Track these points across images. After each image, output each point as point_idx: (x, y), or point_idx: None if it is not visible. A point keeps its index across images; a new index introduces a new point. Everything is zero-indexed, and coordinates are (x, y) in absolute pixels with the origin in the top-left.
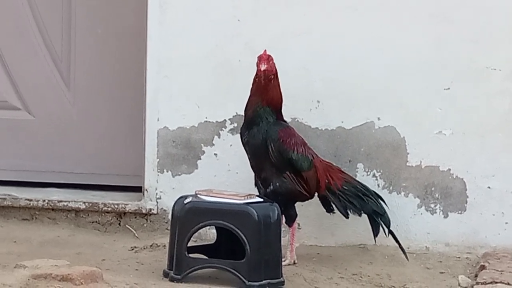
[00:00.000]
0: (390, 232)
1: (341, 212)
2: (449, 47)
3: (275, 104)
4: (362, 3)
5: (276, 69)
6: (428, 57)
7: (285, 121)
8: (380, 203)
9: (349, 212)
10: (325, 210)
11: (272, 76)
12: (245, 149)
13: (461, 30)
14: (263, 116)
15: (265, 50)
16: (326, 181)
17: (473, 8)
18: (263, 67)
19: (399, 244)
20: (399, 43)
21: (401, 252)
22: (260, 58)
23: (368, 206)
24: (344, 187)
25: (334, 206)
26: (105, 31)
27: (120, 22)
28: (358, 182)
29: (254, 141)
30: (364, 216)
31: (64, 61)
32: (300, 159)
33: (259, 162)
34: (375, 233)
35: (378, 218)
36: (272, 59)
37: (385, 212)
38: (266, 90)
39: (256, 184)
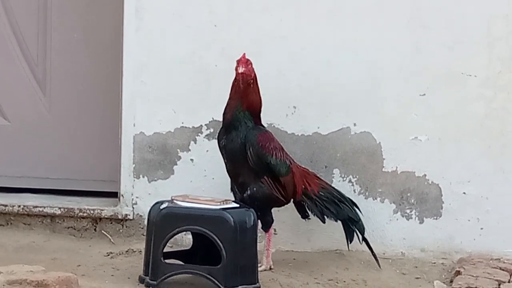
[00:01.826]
0: (364, 239)
1: (318, 217)
2: (426, 53)
3: (254, 109)
4: (339, 8)
5: (255, 74)
6: (405, 63)
7: (263, 126)
8: (355, 210)
9: (325, 217)
10: (300, 216)
11: (251, 81)
12: (222, 153)
13: (438, 36)
14: (242, 120)
15: (244, 54)
16: (303, 186)
17: (449, 14)
18: (240, 69)
19: (372, 251)
20: (375, 49)
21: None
22: (238, 62)
23: (343, 212)
24: (320, 193)
25: (310, 211)
26: (81, 36)
27: (97, 27)
28: (334, 188)
29: (232, 145)
30: (340, 221)
31: (40, 66)
32: (279, 164)
33: (236, 166)
34: (349, 240)
35: (353, 225)
36: (250, 63)
37: (359, 219)
38: (245, 94)
39: (232, 189)
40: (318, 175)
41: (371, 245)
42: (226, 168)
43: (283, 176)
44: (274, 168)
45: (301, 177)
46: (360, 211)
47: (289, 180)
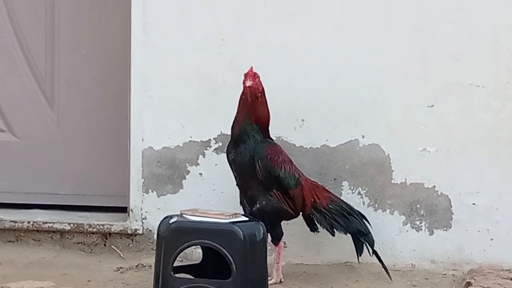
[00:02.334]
0: (374, 252)
1: (327, 230)
2: (433, 64)
3: (263, 122)
4: (346, 20)
5: (262, 87)
6: (412, 74)
7: (271, 139)
8: (364, 223)
9: (335, 230)
10: (309, 229)
11: (259, 94)
12: (231, 167)
13: (445, 47)
14: (250, 134)
15: (251, 67)
16: (312, 199)
17: (456, 24)
18: (248, 83)
19: (383, 264)
20: (382, 60)
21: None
22: (246, 75)
23: (353, 225)
24: (329, 205)
25: (319, 224)
26: (88, 52)
27: (104, 42)
28: (343, 201)
29: (241, 158)
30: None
31: (48, 81)
32: (288, 177)
33: (245, 180)
34: (359, 253)
35: (362, 238)
36: (258, 76)
37: (369, 232)
38: (253, 107)
39: (241, 203)
40: (326, 188)
41: (381, 257)
42: (236, 181)
43: (292, 189)
44: (283, 181)
45: (310, 190)
46: (369, 224)
47: (298, 193)
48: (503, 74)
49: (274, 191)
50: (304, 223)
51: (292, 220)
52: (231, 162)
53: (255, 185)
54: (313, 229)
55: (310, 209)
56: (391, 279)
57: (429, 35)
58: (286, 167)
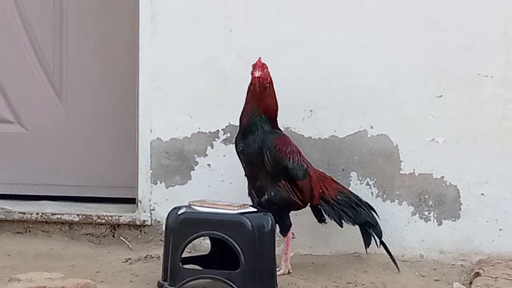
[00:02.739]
0: (382, 243)
1: (335, 221)
2: (442, 55)
3: (271, 113)
4: (356, 12)
5: (271, 78)
6: (421, 65)
7: (280, 130)
8: (372, 214)
9: (343, 221)
10: (317, 220)
11: (267, 85)
12: (239, 158)
13: (455, 37)
14: (258, 124)
15: (260, 58)
16: (320, 190)
17: (466, 15)
18: (257, 74)
19: (390, 255)
20: (392, 51)
21: (395, 260)
22: (254, 66)
23: (361, 216)
24: (338, 197)
25: (327, 215)
26: (97, 44)
27: (112, 34)
28: (351, 192)
29: (249, 149)
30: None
31: (57, 73)
32: (296, 168)
33: (254, 171)
34: (367, 244)
35: (370, 229)
36: (266, 67)
37: (377, 223)
38: (261, 98)
39: (249, 194)
40: (335, 179)
41: (390, 248)
42: (245, 172)
43: (300, 179)
44: (291, 171)
45: (319, 181)
46: (377, 215)
47: (307, 183)
48: None
49: (283, 182)
50: (312, 214)
51: (300, 210)
52: (240, 153)
53: (264, 176)
54: (321, 220)
55: (318, 200)
56: (399, 270)
57: (440, 26)
58: (295, 158)
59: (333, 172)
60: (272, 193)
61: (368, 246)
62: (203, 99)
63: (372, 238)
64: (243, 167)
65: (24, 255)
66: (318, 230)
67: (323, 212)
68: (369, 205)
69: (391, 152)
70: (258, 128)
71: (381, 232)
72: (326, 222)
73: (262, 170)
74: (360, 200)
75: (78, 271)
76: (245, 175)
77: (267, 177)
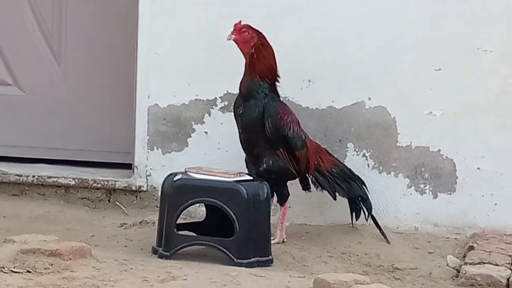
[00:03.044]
0: (372, 217)
1: (329, 193)
2: (442, 28)
3: (267, 76)
4: None
5: (259, 41)
6: (421, 37)
7: (278, 96)
8: (364, 189)
9: (337, 193)
10: (301, 187)
11: (252, 50)
12: (237, 122)
13: (456, 10)
14: (258, 90)
15: (240, 21)
16: (316, 162)
17: None
18: (230, 37)
19: (380, 229)
20: (392, 23)
21: (390, 231)
22: (233, 28)
23: (354, 190)
24: (332, 169)
25: (321, 187)
26: (96, 7)
27: None
28: (345, 165)
29: (249, 113)
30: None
31: (55, 36)
32: (295, 137)
33: (252, 136)
34: (356, 217)
35: (362, 203)
36: (246, 30)
37: (368, 197)
38: (252, 63)
39: (247, 164)
40: (329, 151)
41: (384, 220)
42: (240, 138)
43: (298, 150)
44: (290, 141)
45: (314, 152)
46: (368, 190)
47: (304, 154)
48: None
49: (281, 150)
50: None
51: (295, 180)
52: (239, 117)
53: (262, 143)
54: (305, 188)
55: (313, 172)
56: (388, 242)
57: None
58: (294, 128)
59: (329, 143)
60: (271, 161)
61: (356, 220)
62: (201, 66)
63: (362, 212)
64: (239, 132)
65: (19, 217)
66: (313, 200)
67: (313, 182)
68: (361, 179)
69: (388, 124)
70: (259, 93)
71: (371, 207)
72: (310, 191)
73: (261, 137)
74: (353, 174)
75: (73, 234)
76: (240, 141)
77: (266, 144)
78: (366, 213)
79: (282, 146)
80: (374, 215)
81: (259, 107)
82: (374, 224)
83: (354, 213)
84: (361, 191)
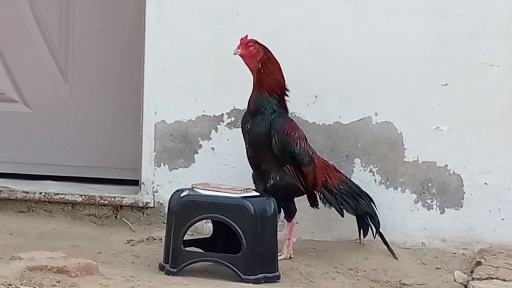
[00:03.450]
0: (380, 233)
1: (337, 210)
2: (448, 43)
3: (275, 91)
4: None
5: (265, 55)
6: (427, 52)
7: (287, 110)
8: (371, 206)
9: (344, 211)
10: (309, 204)
11: (259, 65)
12: (244, 138)
13: (460, 25)
14: (266, 106)
15: (246, 35)
16: (323, 178)
17: (472, 2)
18: (237, 52)
19: (388, 245)
20: (397, 38)
21: (397, 247)
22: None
23: (362, 207)
24: (340, 186)
25: (328, 204)
26: (103, 24)
27: (118, 15)
28: (353, 182)
29: (256, 129)
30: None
31: (62, 53)
32: (302, 153)
33: (259, 152)
34: (364, 235)
35: (370, 220)
36: (253, 44)
37: (376, 214)
38: (260, 78)
39: (254, 180)
40: (337, 168)
41: (391, 235)
42: (247, 154)
43: (305, 166)
44: (297, 157)
45: (322, 169)
46: (376, 207)
47: (311, 170)
48: None
49: (288, 166)
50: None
51: (303, 196)
52: (246, 132)
53: (269, 159)
54: (313, 204)
55: (321, 188)
56: (396, 258)
57: (445, 14)
58: (301, 144)
59: (336, 158)
60: (278, 178)
61: (364, 237)
62: (208, 82)
63: (369, 228)
64: (247, 148)
65: (26, 234)
66: (320, 216)
67: (321, 199)
68: (368, 196)
69: (395, 140)
70: (267, 109)
71: (379, 224)
72: (318, 207)
73: (268, 153)
74: (361, 190)
75: (80, 251)
76: (248, 157)
77: (273, 160)
78: (374, 230)
79: (289, 162)
80: (382, 231)
81: (266, 123)
82: (381, 240)
83: (362, 230)
84: (368, 208)
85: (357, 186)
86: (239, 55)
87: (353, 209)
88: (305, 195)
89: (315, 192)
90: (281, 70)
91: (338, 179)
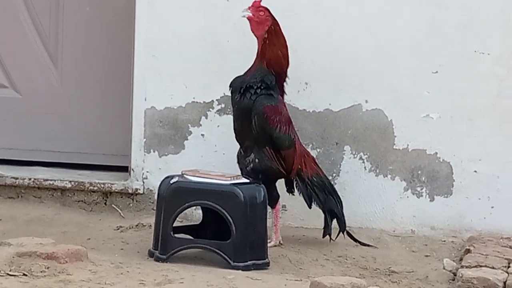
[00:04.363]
0: (348, 233)
1: (305, 200)
2: (439, 30)
3: (274, 66)
4: None
5: (273, 25)
6: (418, 40)
7: (283, 91)
8: (339, 206)
9: (313, 203)
10: (286, 189)
11: (265, 35)
12: (233, 107)
13: (452, 13)
14: (258, 79)
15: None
16: (299, 166)
17: None
18: (246, 13)
19: (359, 242)
20: (389, 26)
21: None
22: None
23: (330, 203)
24: (313, 177)
25: (299, 192)
26: (93, 10)
27: (109, 1)
28: (327, 178)
29: (242, 105)
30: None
31: (52, 39)
32: (282, 137)
33: (243, 128)
34: (327, 233)
35: (334, 220)
36: (263, 10)
37: (342, 216)
38: (262, 48)
39: (238, 161)
40: (316, 161)
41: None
42: (234, 126)
43: (284, 149)
44: (276, 141)
45: (300, 156)
46: (342, 212)
47: (291, 154)
48: (509, 42)
49: (267, 148)
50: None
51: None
52: (235, 103)
53: (251, 137)
54: (289, 190)
55: (295, 175)
56: (371, 246)
57: (437, 2)
58: (282, 128)
59: (326, 145)
60: (257, 160)
61: (325, 236)
62: (198, 69)
63: (333, 228)
64: (234, 120)
65: (16, 220)
66: None
67: (295, 186)
68: (339, 197)
69: (385, 127)
70: (257, 83)
71: (345, 225)
72: (294, 194)
73: (250, 131)
74: (334, 189)
75: (69, 237)
76: (234, 130)
77: (253, 139)
78: (341, 230)
79: (268, 144)
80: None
81: (250, 101)
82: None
83: (325, 228)
84: (336, 208)
85: (330, 183)
86: (247, 17)
87: (321, 203)
88: (284, 181)
89: (294, 181)
90: (287, 47)
91: (313, 170)
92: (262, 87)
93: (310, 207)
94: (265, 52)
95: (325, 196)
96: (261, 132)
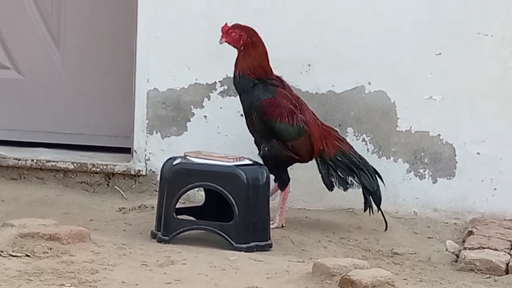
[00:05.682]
0: (380, 210)
1: (324, 183)
2: (442, 12)
3: (253, 73)
4: None
5: (248, 40)
6: (421, 22)
7: (281, 81)
8: (374, 179)
9: (334, 184)
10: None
11: (241, 48)
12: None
13: None
14: (242, 84)
15: (226, 23)
16: (321, 147)
17: None
18: (221, 41)
19: (385, 220)
20: (392, 7)
21: (388, 218)
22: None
23: (362, 179)
24: (337, 157)
25: (321, 176)
26: None
27: None
28: (355, 154)
29: (244, 103)
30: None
31: (54, 20)
32: (284, 129)
33: (249, 123)
34: (365, 208)
35: (369, 195)
36: (232, 30)
37: (377, 189)
38: (238, 60)
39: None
40: (341, 137)
41: (384, 204)
42: (246, 121)
43: (290, 140)
44: (279, 133)
45: (321, 137)
46: (383, 180)
47: (301, 143)
48: (511, 24)
49: (274, 140)
50: (308, 168)
51: (295, 164)
52: (241, 101)
53: (258, 132)
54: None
55: (317, 157)
56: (386, 229)
57: None
58: (283, 119)
59: None
60: (266, 149)
61: (365, 211)
62: (201, 51)
63: (369, 204)
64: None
65: (18, 201)
66: (312, 185)
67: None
68: (373, 172)
69: (388, 109)
70: (245, 88)
71: (380, 199)
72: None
73: (255, 126)
74: (366, 164)
75: (72, 218)
76: (246, 124)
77: (260, 133)
78: (375, 206)
79: (273, 137)
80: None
81: (249, 99)
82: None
83: (364, 203)
84: (368, 182)
85: (360, 157)
86: (225, 41)
87: (345, 183)
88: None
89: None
90: (263, 54)
91: (336, 149)
92: (254, 87)
93: (330, 190)
94: (238, 62)
95: (353, 174)
96: (262, 126)
